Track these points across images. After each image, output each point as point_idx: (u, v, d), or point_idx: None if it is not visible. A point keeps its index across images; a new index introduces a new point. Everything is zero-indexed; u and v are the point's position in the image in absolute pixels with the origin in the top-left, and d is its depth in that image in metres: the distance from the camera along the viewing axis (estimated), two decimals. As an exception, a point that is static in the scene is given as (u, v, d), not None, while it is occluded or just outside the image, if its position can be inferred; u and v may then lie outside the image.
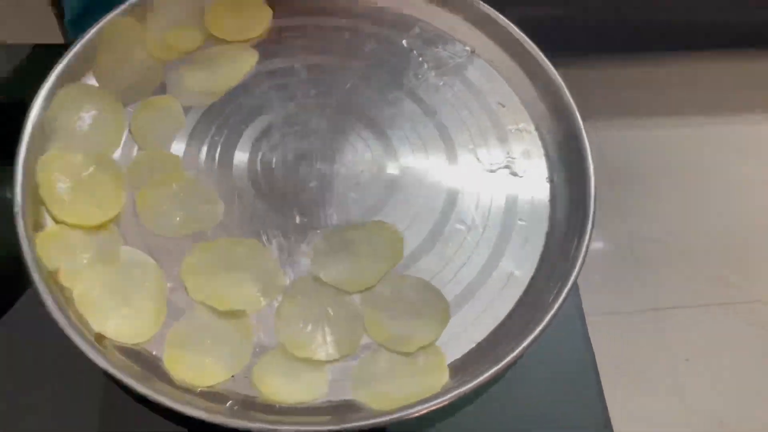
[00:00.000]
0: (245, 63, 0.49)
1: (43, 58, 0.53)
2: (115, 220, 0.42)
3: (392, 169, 0.47)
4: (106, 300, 0.39)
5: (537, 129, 0.49)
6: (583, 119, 0.47)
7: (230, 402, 0.37)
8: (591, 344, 0.43)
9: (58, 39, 0.87)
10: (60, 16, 0.84)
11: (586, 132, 0.47)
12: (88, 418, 0.40)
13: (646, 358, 1.02)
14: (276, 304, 0.41)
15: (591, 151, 0.46)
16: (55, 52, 0.46)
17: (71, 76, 0.46)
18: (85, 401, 0.40)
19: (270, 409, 0.37)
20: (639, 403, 0.96)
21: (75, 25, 0.60)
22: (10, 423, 0.40)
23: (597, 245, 1.10)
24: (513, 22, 0.51)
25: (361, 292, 0.42)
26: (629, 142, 1.26)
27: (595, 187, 0.44)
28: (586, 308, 0.46)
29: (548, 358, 0.43)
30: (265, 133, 0.47)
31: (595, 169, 0.45)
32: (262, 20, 0.50)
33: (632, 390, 0.98)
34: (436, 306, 0.41)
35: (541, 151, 0.48)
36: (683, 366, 1.01)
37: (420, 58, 0.51)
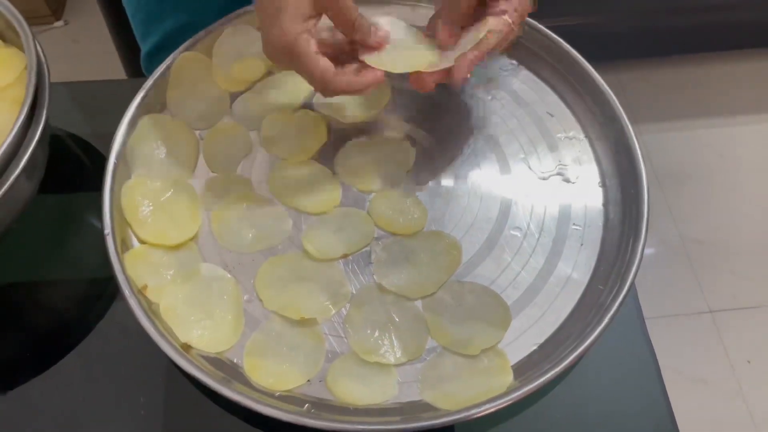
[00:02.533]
0: (303, 88, 0.52)
1: (118, 93, 0.58)
2: (194, 238, 0.45)
3: (447, 180, 0.49)
4: (189, 313, 0.42)
5: (586, 136, 0.50)
6: (630, 123, 0.48)
7: (307, 405, 0.39)
8: (651, 344, 0.44)
9: (121, 75, 0.94)
10: (123, 55, 0.91)
11: None
12: (172, 418, 0.43)
13: (706, 360, 1.00)
14: (344, 312, 0.43)
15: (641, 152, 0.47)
16: (127, 87, 0.51)
17: (147, 108, 0.49)
18: (165, 402, 0.44)
19: (345, 410, 0.39)
20: (701, 405, 0.95)
21: (150, 62, 0.64)
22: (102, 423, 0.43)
23: (648, 249, 1.09)
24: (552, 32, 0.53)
25: (422, 298, 0.44)
26: (676, 143, 1.24)
27: (648, 189, 0.45)
28: (645, 312, 0.46)
29: (610, 358, 0.44)
30: (325, 150, 0.50)
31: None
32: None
33: (694, 392, 0.97)
34: (496, 310, 0.43)
35: (592, 157, 0.50)
36: (745, 368, 0.99)
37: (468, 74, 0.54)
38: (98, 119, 0.55)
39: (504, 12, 0.42)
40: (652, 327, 0.45)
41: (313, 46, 0.40)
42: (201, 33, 0.52)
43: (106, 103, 0.56)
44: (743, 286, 1.07)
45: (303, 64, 0.40)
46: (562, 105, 0.52)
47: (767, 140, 1.27)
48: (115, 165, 0.46)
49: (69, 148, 0.54)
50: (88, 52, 1.22)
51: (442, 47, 0.44)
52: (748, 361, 0.99)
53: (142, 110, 0.49)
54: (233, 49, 0.53)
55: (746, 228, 1.14)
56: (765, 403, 0.96)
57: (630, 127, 0.48)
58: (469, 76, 0.43)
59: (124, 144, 0.47)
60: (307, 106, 0.52)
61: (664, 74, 1.32)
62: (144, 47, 0.64)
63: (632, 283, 0.42)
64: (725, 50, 1.32)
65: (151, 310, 0.42)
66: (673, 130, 1.26)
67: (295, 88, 0.52)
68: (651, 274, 1.07)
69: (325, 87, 0.41)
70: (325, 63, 0.40)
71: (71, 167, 0.53)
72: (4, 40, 0.50)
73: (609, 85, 0.50)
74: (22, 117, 0.41)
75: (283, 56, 0.41)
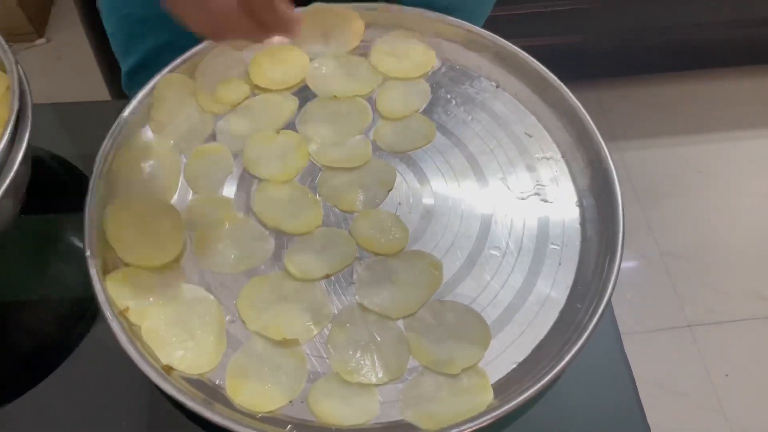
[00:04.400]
0: (286, 109, 0.53)
1: (101, 114, 0.58)
2: (177, 260, 0.46)
3: (427, 199, 0.50)
4: (171, 334, 0.42)
5: (563, 156, 0.51)
6: (608, 140, 0.50)
7: (289, 426, 0.39)
8: (628, 360, 0.45)
9: (105, 96, 0.94)
10: (106, 73, 0.91)
11: (612, 153, 0.49)
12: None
13: (685, 374, 1.02)
14: (326, 332, 0.44)
15: (617, 173, 0.48)
16: (111, 108, 0.51)
17: (130, 130, 0.50)
18: (148, 426, 0.43)
19: (327, 431, 0.39)
20: (681, 419, 0.96)
21: (130, 80, 0.64)
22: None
23: (628, 263, 1.11)
24: (531, 52, 0.54)
25: (404, 318, 0.44)
26: (655, 160, 1.27)
27: (624, 208, 0.46)
28: (622, 327, 0.47)
29: (588, 375, 0.44)
30: (307, 171, 0.51)
31: (621, 188, 0.48)
32: (300, 70, 0.54)
33: (674, 406, 0.98)
34: (476, 329, 0.44)
35: (569, 177, 0.51)
36: (723, 382, 1.00)
37: (448, 95, 0.55)
38: (81, 140, 0.55)
39: None
40: (632, 341, 0.46)
41: None
42: (184, 55, 0.53)
43: (90, 123, 0.56)
44: (721, 301, 1.09)
45: None
46: (540, 126, 0.53)
47: (744, 156, 1.30)
48: (96, 186, 0.46)
49: (51, 169, 0.54)
50: (71, 69, 1.22)
51: None
52: (726, 375, 1.01)
53: (125, 131, 0.49)
54: (216, 70, 0.54)
55: (724, 243, 1.17)
56: (743, 416, 0.98)
57: (605, 147, 0.49)
58: None
59: (106, 165, 0.47)
60: (290, 127, 0.52)
61: (644, 92, 1.35)
62: (124, 66, 0.65)
63: (608, 301, 0.43)
64: (703, 69, 1.35)
65: (133, 333, 0.42)
66: (652, 146, 1.29)
67: (278, 109, 0.53)
68: (630, 288, 1.08)
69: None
70: None
71: (53, 188, 0.53)
72: (-14, 62, 0.50)
73: (588, 103, 0.51)
74: (5, 139, 0.41)
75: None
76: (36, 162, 0.50)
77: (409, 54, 0.56)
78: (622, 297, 1.04)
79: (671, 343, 1.04)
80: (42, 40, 1.35)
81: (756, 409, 0.98)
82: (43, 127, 0.54)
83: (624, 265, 0.44)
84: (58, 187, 0.53)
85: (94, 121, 0.56)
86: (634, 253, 1.13)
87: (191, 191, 0.49)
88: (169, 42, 0.61)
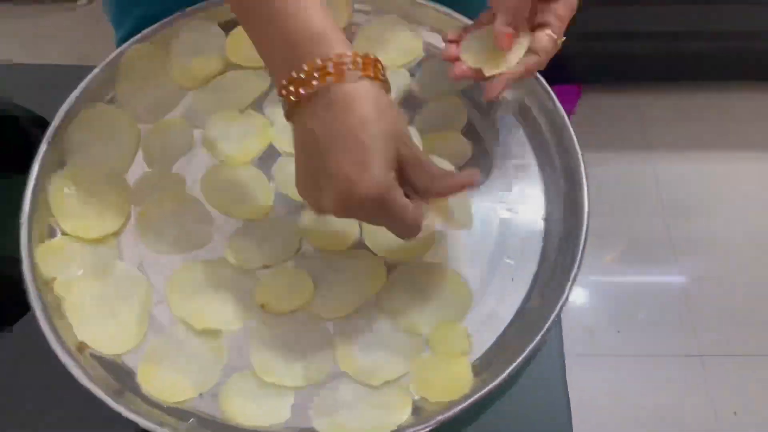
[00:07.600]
0: (255, 89, 0.51)
1: (69, 77, 0.57)
2: (116, 235, 0.44)
3: (387, 198, 0.47)
4: (93, 311, 0.41)
5: (539, 165, 0.48)
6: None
7: (192, 419, 0.38)
8: (567, 387, 0.41)
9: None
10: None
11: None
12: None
13: (693, 409, 0.95)
14: (252, 326, 0.42)
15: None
16: (80, 73, 0.50)
17: (93, 97, 0.49)
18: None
19: (226, 429, 0.38)
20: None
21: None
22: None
23: (645, 278, 1.03)
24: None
25: (335, 319, 0.42)
26: (689, 174, 1.18)
27: (588, 231, 0.42)
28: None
29: (527, 396, 0.41)
30: (266, 155, 0.48)
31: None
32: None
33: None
34: (408, 341, 0.41)
35: (541, 189, 0.47)
36: (731, 419, 0.93)
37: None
38: (49, 105, 0.54)
39: (547, 25, 0.42)
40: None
41: (402, 193, 0.37)
42: (157, 25, 0.51)
43: (53, 88, 0.54)
44: (734, 333, 1.01)
45: (396, 212, 0.37)
46: (519, 128, 0.49)
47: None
48: (47, 151, 0.45)
49: (8, 132, 0.53)
50: (110, 32, 1.23)
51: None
52: (735, 413, 0.94)
53: (87, 98, 0.48)
54: (193, 43, 0.52)
55: (748, 270, 1.08)
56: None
57: (582, 159, 0.45)
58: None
59: (62, 131, 0.47)
60: (255, 107, 0.50)
61: (686, 100, 1.26)
62: (118, 33, 0.64)
63: (551, 327, 0.39)
64: (747, 81, 1.25)
65: (57, 306, 0.41)
66: (690, 160, 1.20)
67: (246, 88, 0.51)
68: (643, 309, 1.02)
69: (415, 227, 0.38)
70: (412, 206, 0.37)
71: (9, 150, 0.52)
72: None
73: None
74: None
75: (372, 208, 0.36)
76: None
77: (396, 41, 0.53)
78: (634, 317, 0.98)
79: (681, 373, 0.97)
80: (83, 1, 1.37)
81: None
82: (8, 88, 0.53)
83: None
84: (6, 147, 0.53)
85: (62, 84, 0.55)
86: (653, 270, 1.05)
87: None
88: (161, 12, 0.60)
